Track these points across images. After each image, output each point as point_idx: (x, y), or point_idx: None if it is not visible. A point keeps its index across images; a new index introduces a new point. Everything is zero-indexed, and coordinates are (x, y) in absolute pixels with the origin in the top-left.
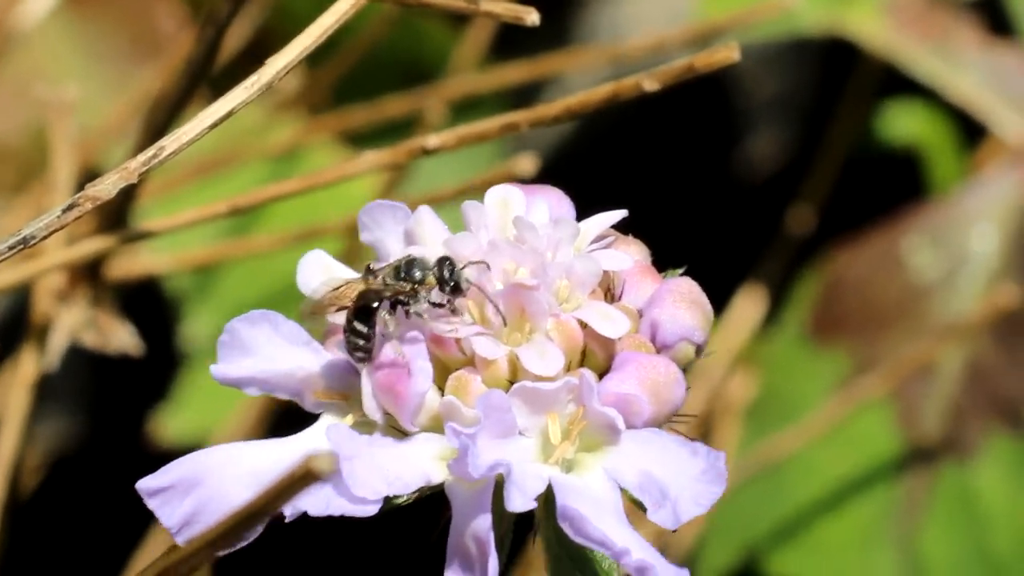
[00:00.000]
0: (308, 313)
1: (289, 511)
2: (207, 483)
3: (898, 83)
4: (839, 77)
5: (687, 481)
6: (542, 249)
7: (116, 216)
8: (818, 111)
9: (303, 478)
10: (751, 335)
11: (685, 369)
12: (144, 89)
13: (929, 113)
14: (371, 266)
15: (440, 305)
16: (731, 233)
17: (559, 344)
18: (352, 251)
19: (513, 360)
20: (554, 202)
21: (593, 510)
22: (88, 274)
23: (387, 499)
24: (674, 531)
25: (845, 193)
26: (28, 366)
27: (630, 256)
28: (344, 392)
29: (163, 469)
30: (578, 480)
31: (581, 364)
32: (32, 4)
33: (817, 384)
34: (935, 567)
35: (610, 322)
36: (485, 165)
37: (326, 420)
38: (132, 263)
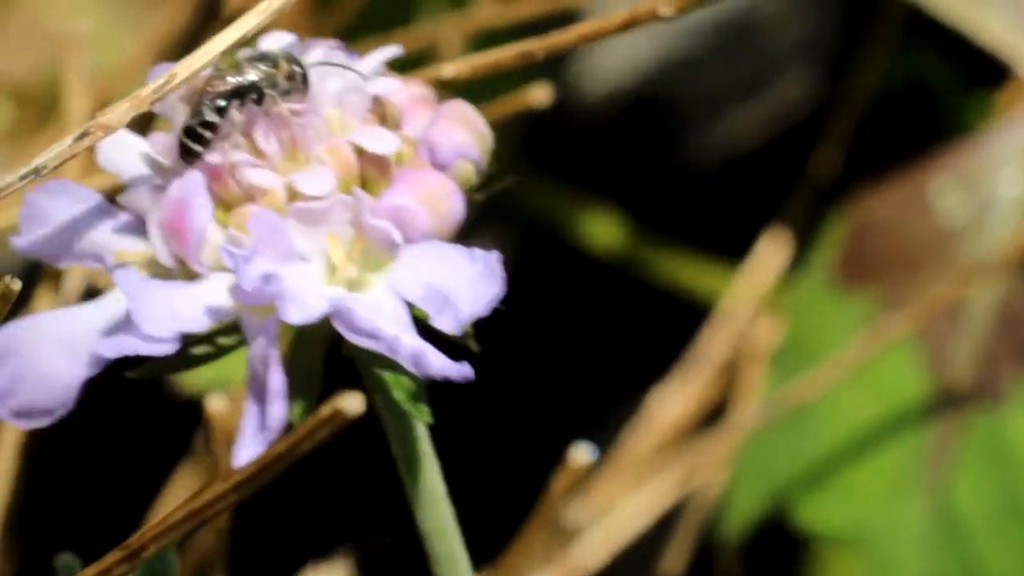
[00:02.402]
0: (181, 99)
1: (89, 360)
2: (21, 351)
3: (923, 23)
4: (864, 19)
5: (465, 283)
6: (314, 82)
7: None
8: (843, 54)
9: (331, 419)
10: (776, 280)
11: (467, 188)
12: (159, 28)
13: (954, 54)
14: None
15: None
16: (756, 176)
17: (332, 166)
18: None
19: (291, 190)
20: (328, 46)
21: (379, 319)
22: None
23: (186, 348)
24: (459, 337)
25: (871, 136)
26: (45, 306)
27: (407, 88)
28: (142, 251)
29: None
30: (363, 297)
31: (359, 185)
32: None
33: (844, 328)
34: (967, 514)
35: (380, 141)
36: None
37: (119, 272)
38: None
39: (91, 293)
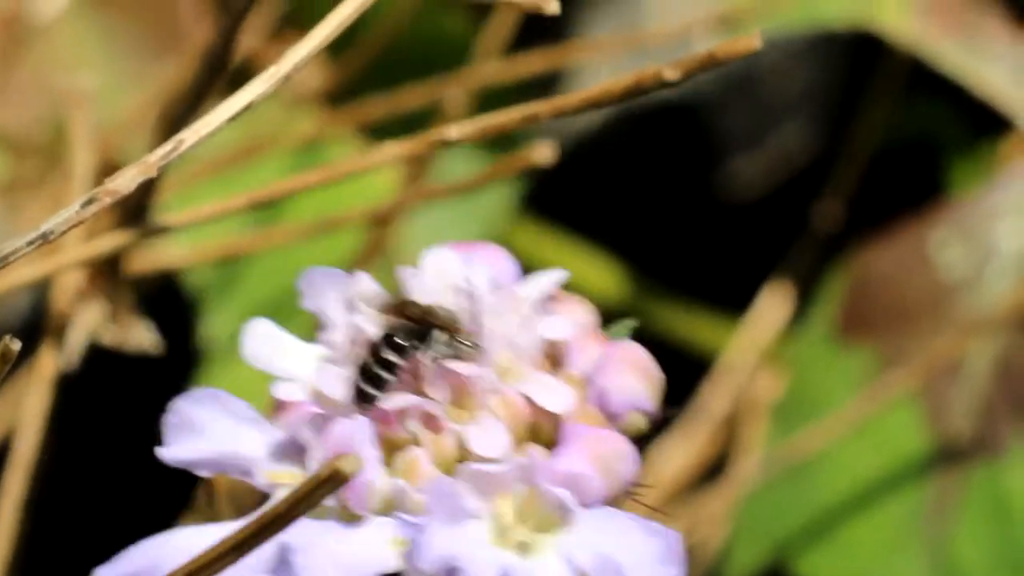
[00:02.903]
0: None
1: None
2: (161, 572)
3: (925, 76)
4: (866, 71)
5: (643, 563)
6: (482, 319)
7: (136, 211)
8: (845, 105)
9: (330, 479)
10: (777, 333)
11: (636, 440)
12: (164, 82)
13: (956, 107)
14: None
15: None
16: (758, 229)
17: (504, 421)
18: (373, 243)
19: (459, 439)
20: (495, 263)
21: None
22: (107, 270)
23: None
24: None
25: (872, 188)
26: (47, 364)
27: (573, 321)
28: (294, 472)
29: (122, 555)
30: (533, 564)
31: (529, 438)
32: None
33: (844, 382)
34: (967, 568)
35: (555, 396)
36: (505, 153)
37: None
38: (152, 258)
39: (93, 351)
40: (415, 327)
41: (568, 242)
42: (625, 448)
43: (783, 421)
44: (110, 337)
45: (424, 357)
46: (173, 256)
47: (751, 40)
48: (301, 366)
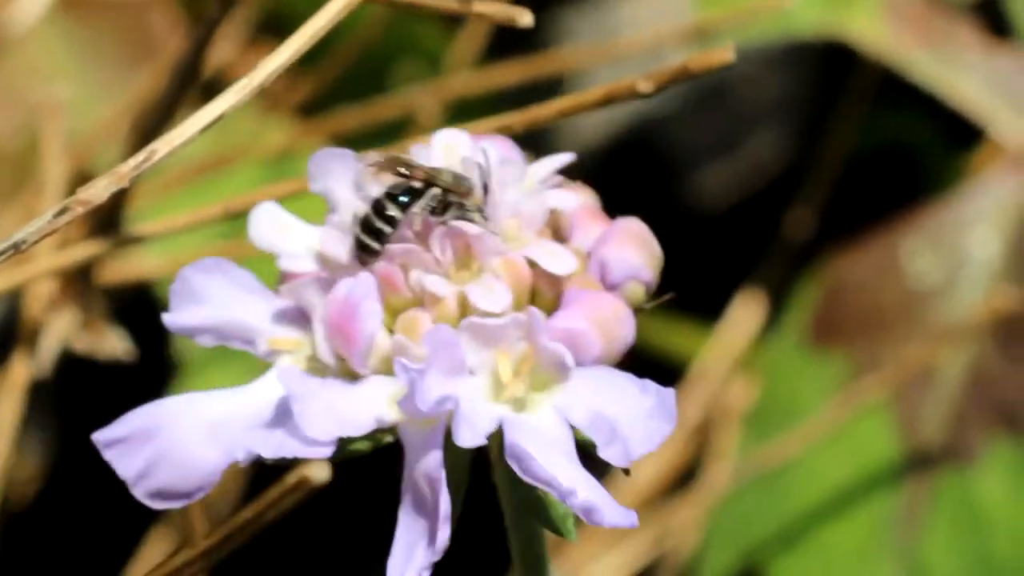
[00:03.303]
0: (370, 167)
1: (243, 455)
2: (164, 433)
3: (897, 85)
4: (838, 81)
5: (637, 418)
6: (490, 188)
7: (108, 220)
8: (818, 114)
9: (296, 487)
10: (750, 340)
11: (634, 308)
12: (137, 92)
13: (928, 116)
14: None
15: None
16: (730, 237)
17: (506, 281)
18: None
19: (462, 299)
20: (503, 147)
21: (542, 449)
22: (80, 279)
23: (343, 445)
24: (626, 470)
25: (844, 197)
26: (19, 373)
27: (578, 198)
28: (297, 339)
29: (120, 419)
30: (528, 418)
31: (530, 303)
32: (25, 6)
33: (817, 390)
34: (937, 574)
35: (557, 259)
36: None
37: (280, 366)
38: (126, 268)
39: (66, 356)
40: (419, 187)
41: None
42: (624, 311)
43: (755, 428)
44: (83, 345)
45: (426, 216)
46: (148, 266)
47: (725, 53)
48: (305, 242)
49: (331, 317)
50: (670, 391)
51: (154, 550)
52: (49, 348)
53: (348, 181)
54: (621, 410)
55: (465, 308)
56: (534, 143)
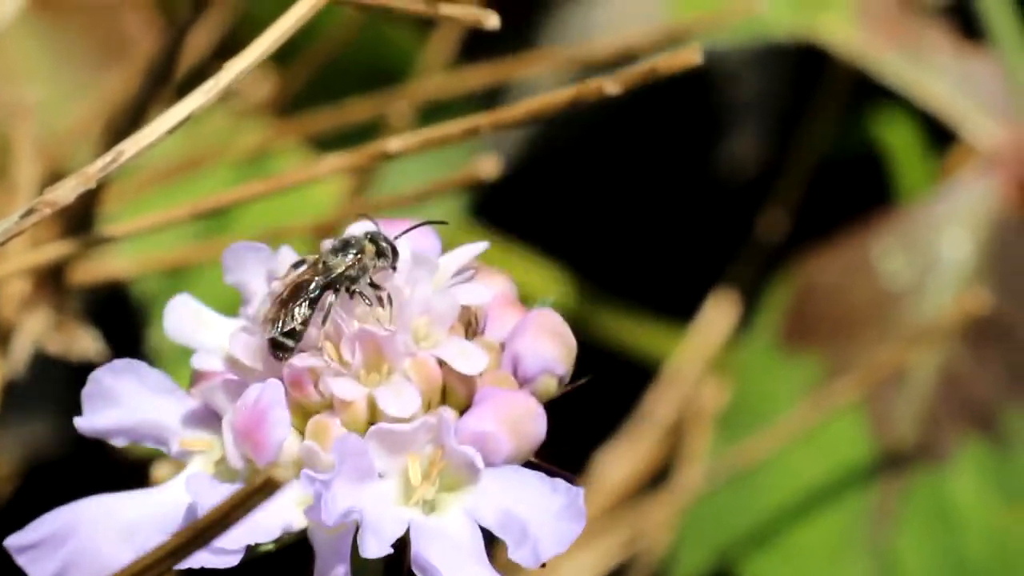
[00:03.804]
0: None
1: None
2: (77, 538)
3: (870, 87)
4: (812, 81)
5: (547, 518)
6: (400, 285)
7: (79, 221)
8: (791, 116)
9: (263, 488)
10: (723, 341)
11: (546, 403)
12: (111, 92)
13: (900, 118)
14: (296, 263)
15: (376, 287)
16: (703, 237)
17: (417, 383)
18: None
19: (372, 401)
20: (418, 235)
21: (452, 554)
22: (52, 279)
23: (250, 548)
24: (539, 568)
25: (817, 198)
26: None
27: (492, 288)
28: (208, 440)
29: (32, 524)
30: (437, 521)
31: (442, 402)
32: None
33: (789, 390)
34: (909, 573)
35: (467, 359)
36: (453, 166)
37: (191, 469)
38: (99, 268)
39: (38, 358)
40: (324, 279)
41: (514, 251)
42: (535, 409)
43: (728, 429)
44: (55, 345)
45: (334, 310)
46: (120, 266)
47: (692, 54)
48: (220, 338)
49: (240, 423)
50: (579, 490)
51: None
52: (22, 348)
53: (262, 273)
54: (531, 511)
55: (375, 410)
56: (504, 144)
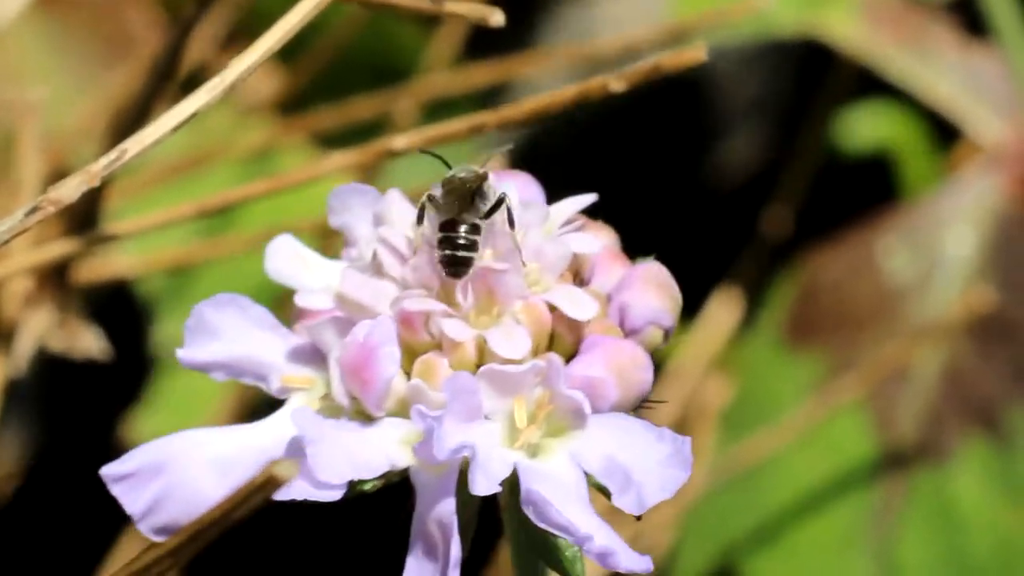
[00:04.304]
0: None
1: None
2: (172, 469)
3: (874, 84)
4: (816, 78)
5: (652, 466)
6: (512, 231)
7: (84, 218)
8: (795, 113)
9: (265, 484)
10: (726, 339)
11: (653, 353)
12: (115, 90)
13: (904, 114)
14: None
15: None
16: (707, 235)
17: (527, 327)
18: (324, 251)
19: (481, 343)
20: (523, 186)
21: (558, 495)
22: (55, 277)
23: (353, 484)
24: (638, 517)
25: (821, 195)
26: None
27: (599, 240)
28: (310, 377)
29: (128, 455)
30: (543, 465)
31: (549, 348)
32: (2, 5)
33: (792, 388)
34: (912, 572)
35: (578, 305)
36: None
37: (293, 404)
38: (103, 266)
39: (41, 356)
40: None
41: None
42: (642, 358)
43: (731, 426)
44: (58, 344)
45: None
46: (124, 264)
47: (697, 52)
48: (323, 279)
49: (348, 360)
50: (686, 439)
51: (130, 547)
52: (25, 347)
53: (368, 217)
54: (636, 458)
55: (484, 353)
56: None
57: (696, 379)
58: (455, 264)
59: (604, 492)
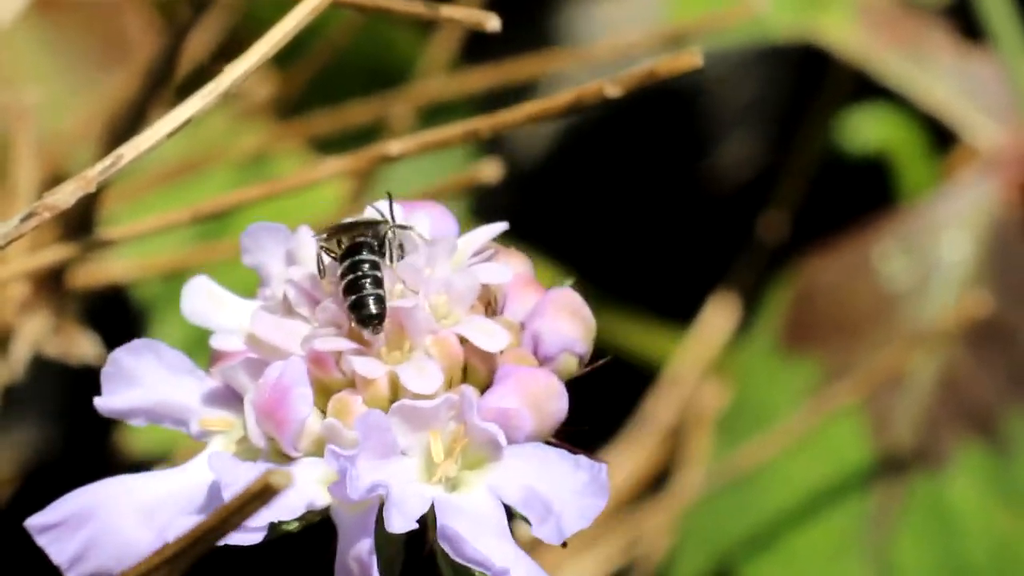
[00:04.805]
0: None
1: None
2: (98, 518)
3: (871, 88)
4: (813, 82)
5: (570, 495)
6: (420, 265)
7: (79, 224)
8: (792, 117)
9: (261, 493)
10: (723, 344)
11: (567, 381)
12: (111, 93)
13: (900, 119)
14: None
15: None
16: (703, 240)
17: (439, 360)
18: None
19: (394, 379)
20: (436, 217)
21: (474, 529)
22: (51, 283)
23: (274, 526)
24: (562, 545)
25: (818, 199)
26: None
27: (511, 268)
28: (228, 419)
29: (53, 505)
30: (461, 498)
31: (464, 380)
32: None
33: (789, 393)
34: None
35: (489, 336)
36: (454, 169)
37: (212, 448)
38: (98, 271)
39: (37, 361)
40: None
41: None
42: (556, 387)
43: (728, 432)
44: (54, 349)
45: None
46: (120, 269)
47: (692, 57)
48: (239, 319)
49: (262, 402)
50: (603, 466)
51: None
52: (21, 352)
53: (280, 255)
54: (554, 487)
55: (397, 388)
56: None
57: (692, 384)
58: (369, 320)
59: (527, 521)
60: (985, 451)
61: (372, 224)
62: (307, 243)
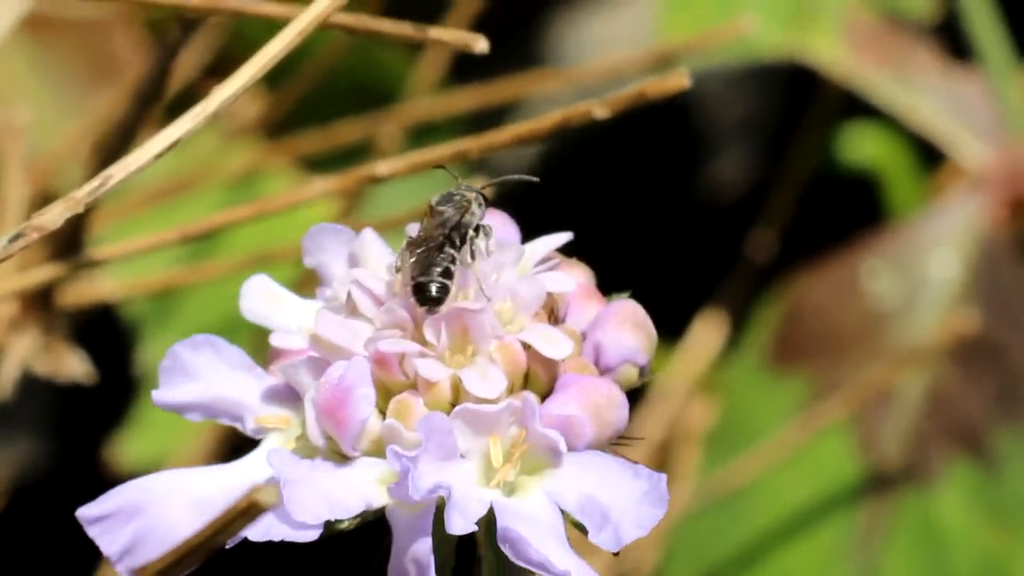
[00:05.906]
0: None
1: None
2: (149, 511)
3: (859, 107)
4: (802, 101)
5: (628, 503)
6: (486, 271)
7: (68, 243)
8: (781, 135)
9: (247, 511)
10: (711, 361)
11: (628, 391)
12: (100, 113)
13: (889, 138)
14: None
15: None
16: (693, 256)
17: (502, 366)
18: (308, 276)
19: (456, 383)
20: (499, 225)
21: (534, 533)
22: (40, 302)
23: (329, 524)
24: (616, 553)
25: (806, 218)
26: None
27: (574, 278)
28: (286, 417)
29: (104, 496)
30: (519, 503)
31: (524, 386)
32: None
33: (777, 410)
34: None
35: (553, 344)
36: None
37: (268, 445)
38: (87, 290)
39: (27, 379)
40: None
41: None
42: (617, 397)
43: (716, 448)
44: (43, 367)
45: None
46: (109, 288)
47: (681, 78)
48: (297, 318)
49: (323, 401)
50: (662, 476)
51: (112, 572)
52: (10, 370)
53: (343, 256)
54: (613, 495)
55: (459, 392)
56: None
57: (680, 401)
58: (427, 299)
59: (581, 528)
60: (973, 468)
61: (457, 218)
62: (371, 245)
